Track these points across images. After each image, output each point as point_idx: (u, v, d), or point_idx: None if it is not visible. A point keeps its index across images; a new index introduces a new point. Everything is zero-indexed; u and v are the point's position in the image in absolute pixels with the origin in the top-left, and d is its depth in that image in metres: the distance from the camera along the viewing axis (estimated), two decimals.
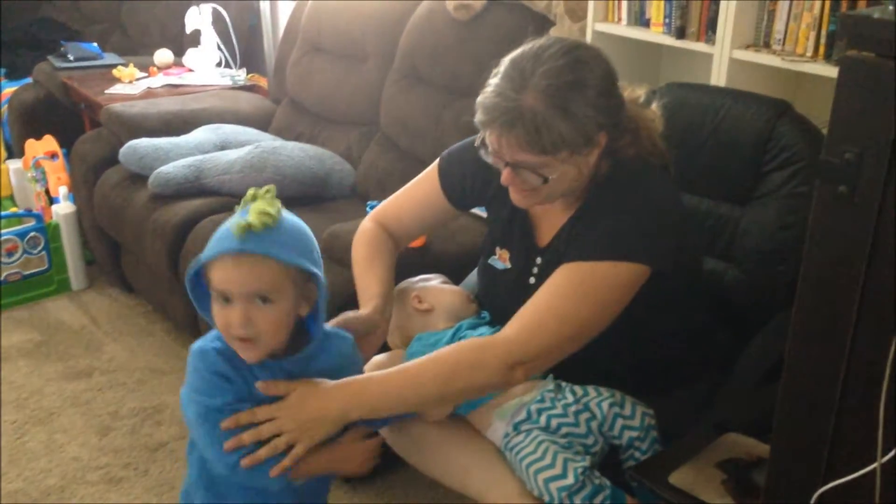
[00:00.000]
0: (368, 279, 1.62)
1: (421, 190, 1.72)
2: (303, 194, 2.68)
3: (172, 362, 2.76)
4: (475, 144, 1.46)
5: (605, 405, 1.43)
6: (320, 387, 1.31)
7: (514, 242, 1.58)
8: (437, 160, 1.70)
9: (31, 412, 2.50)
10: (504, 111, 1.34)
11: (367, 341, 1.52)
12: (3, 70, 3.88)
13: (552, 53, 1.36)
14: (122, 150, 2.84)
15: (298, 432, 1.28)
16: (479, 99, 1.39)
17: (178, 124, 3.01)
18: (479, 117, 1.39)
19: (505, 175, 1.42)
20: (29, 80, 3.60)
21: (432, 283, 1.72)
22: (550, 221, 1.54)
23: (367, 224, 1.73)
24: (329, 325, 1.41)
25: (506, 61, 1.39)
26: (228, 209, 2.62)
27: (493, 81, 1.38)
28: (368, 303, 1.57)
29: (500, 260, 1.60)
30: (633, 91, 1.49)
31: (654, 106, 1.53)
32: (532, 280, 1.55)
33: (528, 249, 1.56)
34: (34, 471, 2.25)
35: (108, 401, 2.57)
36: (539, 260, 1.55)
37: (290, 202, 2.62)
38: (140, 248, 2.77)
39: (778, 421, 1.05)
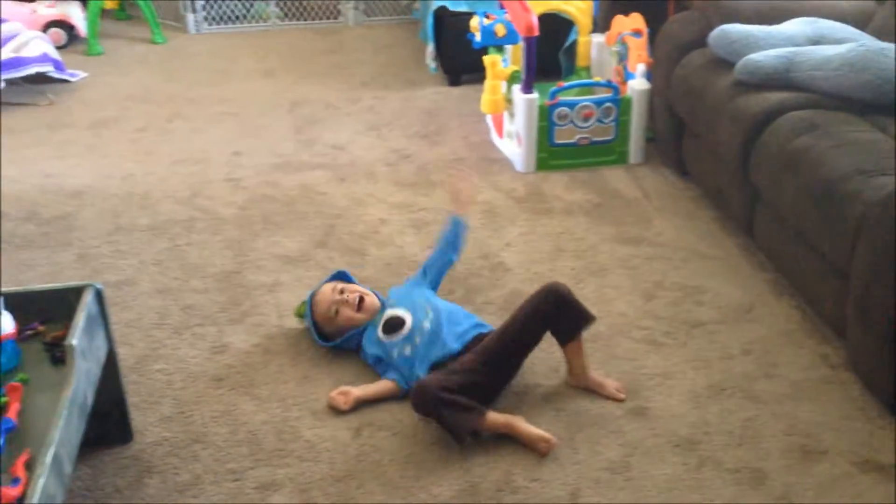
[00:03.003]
0: None
1: None
2: None
3: (716, 249, 2.81)
4: None
5: None
6: None
7: None
8: None
9: (586, 263, 2.76)
10: None
11: None
12: None
13: None
14: (713, 34, 2.86)
15: None
16: None
17: (772, 15, 2.94)
18: None
19: None
20: None
21: None
22: None
23: None
24: None
25: None
26: (815, 107, 2.56)
27: None
28: None
29: None
30: None
31: None
32: None
33: None
34: None
35: (653, 270, 2.71)
36: None
37: (886, 110, 2.49)
38: (711, 134, 2.81)
39: None
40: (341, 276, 2.50)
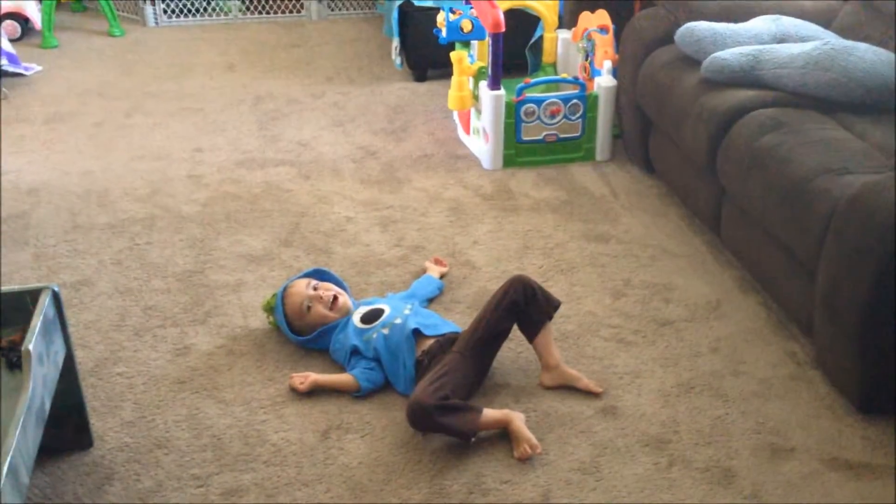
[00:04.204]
0: None
1: None
2: (867, 102, 2.48)
3: (683, 247, 2.81)
4: None
5: None
6: None
7: None
8: None
9: (555, 261, 2.74)
10: None
11: None
12: None
13: None
14: (680, 31, 2.86)
15: None
16: None
17: (738, 12, 2.95)
18: None
19: None
20: None
21: None
22: None
23: None
24: None
25: None
26: (781, 105, 2.57)
27: None
28: None
29: None
30: None
31: None
32: None
33: None
34: (558, 315, 2.45)
35: (621, 268, 2.71)
36: None
37: (851, 108, 2.51)
38: (677, 132, 2.81)
39: None
40: (319, 274, 2.46)
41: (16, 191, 3.19)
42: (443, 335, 2.21)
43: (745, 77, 2.65)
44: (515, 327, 2.22)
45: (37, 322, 1.74)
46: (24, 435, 1.57)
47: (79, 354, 2.29)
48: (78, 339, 2.37)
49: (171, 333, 2.41)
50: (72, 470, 1.96)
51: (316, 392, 2.17)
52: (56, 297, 1.85)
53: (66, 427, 1.98)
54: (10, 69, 4.15)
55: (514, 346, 2.28)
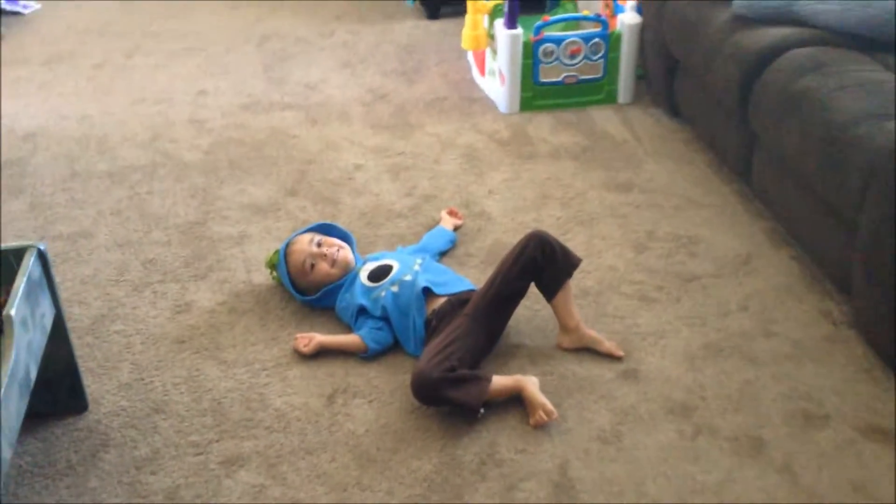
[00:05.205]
0: None
1: None
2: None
3: (710, 196, 2.66)
4: None
5: None
6: None
7: None
8: None
9: (574, 212, 2.60)
10: None
11: None
12: None
13: None
14: None
15: None
16: None
17: None
18: None
19: None
20: None
21: None
22: None
23: None
24: None
25: None
26: (820, 43, 2.39)
27: None
28: None
29: None
30: None
31: None
32: None
33: None
34: (577, 270, 2.32)
35: (644, 219, 2.56)
36: None
37: (894, 47, 2.32)
38: (707, 72, 2.63)
39: None
40: (323, 228, 2.32)
41: (12, 136, 3.07)
42: (455, 294, 2.09)
43: (781, 13, 2.46)
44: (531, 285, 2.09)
45: (20, 284, 1.63)
46: (7, 407, 1.47)
47: (75, 311, 2.19)
48: (74, 294, 2.27)
49: (171, 289, 2.31)
50: (65, 435, 1.87)
51: (321, 353, 2.07)
52: (42, 257, 1.73)
53: (59, 391, 1.88)
54: (7, 7, 4.00)
55: (531, 304, 2.16)
